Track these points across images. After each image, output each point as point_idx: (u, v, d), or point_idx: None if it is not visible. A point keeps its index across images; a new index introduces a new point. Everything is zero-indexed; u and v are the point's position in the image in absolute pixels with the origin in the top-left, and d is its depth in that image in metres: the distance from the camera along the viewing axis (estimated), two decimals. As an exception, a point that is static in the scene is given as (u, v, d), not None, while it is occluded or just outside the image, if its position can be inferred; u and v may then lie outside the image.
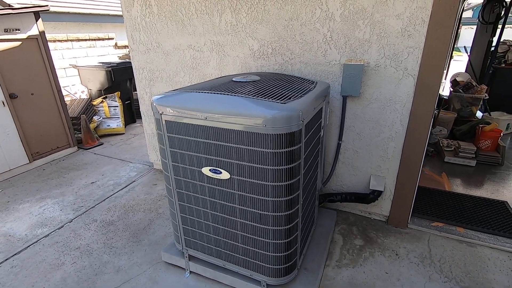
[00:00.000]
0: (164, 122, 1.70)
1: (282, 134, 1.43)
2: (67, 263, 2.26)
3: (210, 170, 1.67)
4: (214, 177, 1.68)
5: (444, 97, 5.12)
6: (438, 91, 2.08)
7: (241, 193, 1.64)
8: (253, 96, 1.54)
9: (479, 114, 5.03)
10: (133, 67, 3.30)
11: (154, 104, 1.70)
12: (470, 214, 2.69)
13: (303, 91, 1.78)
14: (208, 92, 1.61)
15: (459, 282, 1.99)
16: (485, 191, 3.09)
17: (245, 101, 1.50)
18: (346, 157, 2.56)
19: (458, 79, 4.96)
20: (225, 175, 1.63)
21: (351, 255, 2.27)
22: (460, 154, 3.70)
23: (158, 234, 2.56)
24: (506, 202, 2.86)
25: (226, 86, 1.78)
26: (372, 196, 2.46)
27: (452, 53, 7.86)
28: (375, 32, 2.11)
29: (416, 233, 2.48)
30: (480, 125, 3.87)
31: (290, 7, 2.29)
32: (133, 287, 2.03)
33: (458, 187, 3.19)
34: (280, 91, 1.70)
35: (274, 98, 1.54)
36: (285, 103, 1.49)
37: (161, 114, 1.69)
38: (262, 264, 1.79)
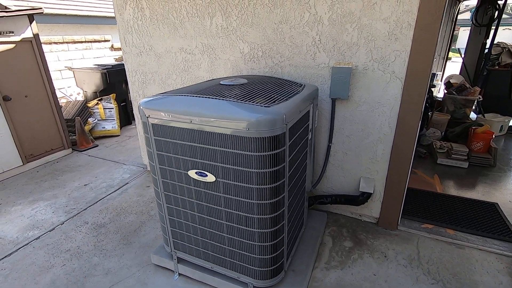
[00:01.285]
0: (150, 125, 1.71)
1: (265, 137, 1.44)
2: (56, 266, 2.27)
3: (196, 173, 1.68)
4: (200, 179, 1.69)
5: (438, 99, 5.15)
6: (425, 93, 2.10)
7: (227, 196, 1.65)
8: (238, 99, 1.56)
9: (473, 115, 5.06)
10: (126, 70, 3.31)
11: (141, 107, 1.71)
12: (460, 216, 2.70)
13: (290, 94, 1.79)
14: (193, 96, 1.63)
15: (446, 284, 2.00)
16: (476, 193, 3.10)
17: (230, 104, 1.51)
18: (336, 159, 2.58)
19: (451, 81, 4.98)
20: (210, 178, 1.64)
21: (340, 257, 2.28)
22: (452, 156, 3.72)
23: (149, 237, 2.57)
24: (497, 203, 2.88)
25: (213, 89, 1.79)
26: (361, 198, 2.47)
27: (448, 54, 7.90)
28: (363, 35, 2.13)
29: (406, 235, 2.49)
30: (473, 127, 3.89)
31: (280, 11, 2.31)
32: (121, 290, 2.04)
33: (450, 189, 3.20)
34: (266, 94, 1.72)
35: (259, 102, 1.55)
36: (269, 107, 1.50)
37: (147, 117, 1.70)
38: (249, 266, 1.80)
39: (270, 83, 2.02)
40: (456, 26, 7.58)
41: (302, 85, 2.10)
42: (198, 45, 2.76)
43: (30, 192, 3.33)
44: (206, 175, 1.65)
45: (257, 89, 1.81)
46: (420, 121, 2.18)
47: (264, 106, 1.49)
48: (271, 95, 1.70)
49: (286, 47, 2.39)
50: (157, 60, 3.06)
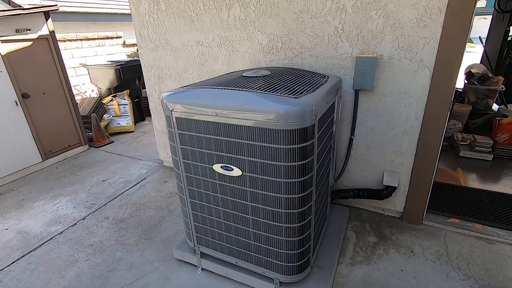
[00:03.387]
0: (174, 119, 1.68)
1: (294, 129, 1.39)
2: (81, 260, 2.29)
3: (221, 167, 1.65)
4: (225, 174, 1.66)
5: (459, 90, 4.97)
6: (455, 83, 2.01)
7: (253, 190, 1.62)
8: (264, 91, 1.51)
9: (495, 106, 4.87)
10: (142, 65, 3.30)
11: (164, 101, 1.68)
12: (487, 210, 2.60)
13: (315, 85, 1.73)
14: (218, 88, 1.59)
15: (478, 280, 1.93)
16: (503, 186, 2.99)
17: (257, 96, 1.47)
18: (359, 153, 2.51)
19: (473, 70, 4.80)
20: (236, 172, 1.61)
21: (365, 252, 2.22)
22: (476, 148, 3.59)
23: (170, 232, 2.57)
24: (526, 197, 2.76)
25: (236, 81, 1.75)
26: (385, 192, 2.40)
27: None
28: (389, 23, 2.04)
29: (432, 230, 2.42)
30: (497, 118, 3.74)
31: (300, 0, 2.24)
32: (146, 284, 2.05)
33: (475, 182, 3.09)
34: (292, 85, 1.66)
35: (286, 93, 1.50)
36: (297, 98, 1.45)
37: (171, 111, 1.67)
38: (275, 261, 1.77)
39: (293, 75, 1.96)
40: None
41: (325, 76, 2.03)
42: (215, 37, 2.71)
43: (51, 188, 3.38)
44: (232, 169, 1.62)
45: (281, 80, 1.76)
46: (449, 112, 2.09)
47: (293, 97, 1.44)
48: (296, 87, 1.64)
49: (307, 37, 2.32)
50: (173, 54, 3.03)
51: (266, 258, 1.80)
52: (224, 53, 2.74)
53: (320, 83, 1.80)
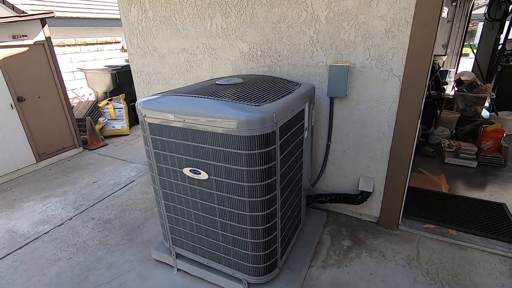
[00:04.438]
0: (147, 124, 1.77)
1: (255, 136, 1.47)
2: (63, 259, 2.37)
3: (190, 170, 1.72)
4: (194, 177, 1.73)
5: (449, 97, 5.01)
6: (424, 91, 2.07)
7: (219, 193, 1.69)
8: (230, 99, 1.59)
9: (486, 113, 4.89)
10: (132, 70, 3.40)
11: (139, 107, 1.77)
12: (464, 216, 2.64)
13: (283, 93, 1.81)
14: (187, 96, 1.67)
15: (444, 285, 1.97)
16: (484, 193, 3.01)
17: (221, 104, 1.54)
18: (335, 158, 2.57)
19: (462, 78, 4.84)
20: (203, 175, 1.68)
21: (337, 255, 2.27)
22: (460, 155, 3.62)
23: (151, 233, 2.64)
24: (504, 204, 2.79)
25: (208, 89, 1.83)
26: (361, 197, 2.46)
27: (462, 50, 7.65)
28: (360, 33, 2.11)
29: (406, 235, 2.46)
30: (483, 126, 3.77)
31: (277, 10, 2.32)
32: (122, 283, 2.12)
33: (457, 188, 3.12)
34: (260, 93, 1.74)
35: (250, 101, 1.57)
36: (259, 106, 1.52)
37: (144, 116, 1.75)
38: (243, 262, 1.83)
39: (266, 82, 2.04)
40: (471, 21, 7.33)
41: (298, 84, 2.10)
42: (199, 45, 2.81)
43: (42, 189, 3.48)
44: (200, 173, 1.69)
45: (252, 88, 1.84)
46: (419, 119, 2.15)
47: (254, 105, 1.52)
48: (264, 94, 1.72)
49: (284, 46, 2.41)
50: (161, 61, 3.13)
51: (234, 259, 1.86)
52: (208, 60, 2.83)
53: (289, 91, 1.87)
